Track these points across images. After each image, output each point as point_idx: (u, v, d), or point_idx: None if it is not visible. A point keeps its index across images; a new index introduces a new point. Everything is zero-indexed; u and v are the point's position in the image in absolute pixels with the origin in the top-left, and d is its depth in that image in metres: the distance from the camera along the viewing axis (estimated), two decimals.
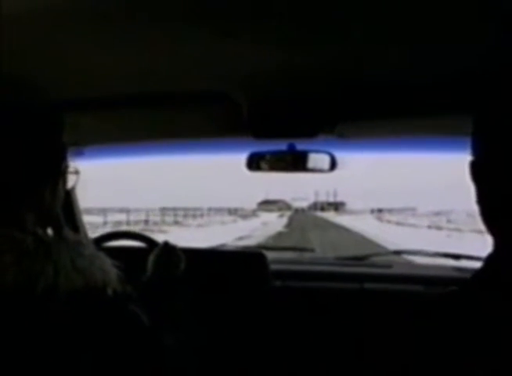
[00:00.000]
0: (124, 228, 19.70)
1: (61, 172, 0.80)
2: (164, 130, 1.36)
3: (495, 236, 0.52)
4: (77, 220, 1.75)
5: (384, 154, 1.76)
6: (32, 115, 0.79)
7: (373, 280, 1.59)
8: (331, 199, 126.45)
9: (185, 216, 36.35)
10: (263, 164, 1.39)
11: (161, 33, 0.71)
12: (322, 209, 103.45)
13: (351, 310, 1.46)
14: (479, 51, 0.76)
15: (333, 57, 0.82)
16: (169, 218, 31.17)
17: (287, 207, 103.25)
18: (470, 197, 0.56)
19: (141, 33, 0.71)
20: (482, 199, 0.54)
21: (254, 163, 1.40)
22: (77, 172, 0.86)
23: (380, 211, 71.47)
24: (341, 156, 1.37)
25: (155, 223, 26.41)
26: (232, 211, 57.57)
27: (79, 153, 1.44)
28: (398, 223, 31.18)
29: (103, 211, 25.30)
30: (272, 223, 30.71)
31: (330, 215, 59.45)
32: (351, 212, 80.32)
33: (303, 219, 40.95)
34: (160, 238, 1.55)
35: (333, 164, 1.35)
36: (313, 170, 1.35)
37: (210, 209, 53.53)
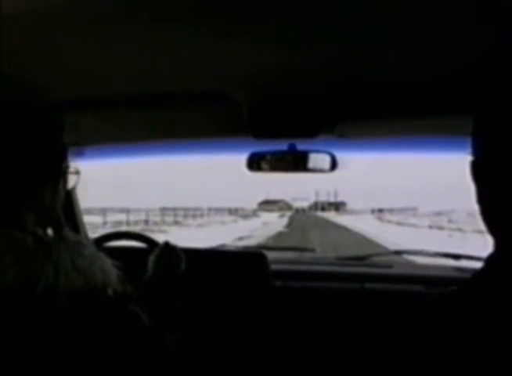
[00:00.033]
0: (123, 228, 19.73)
1: (61, 172, 0.80)
2: (165, 130, 1.36)
3: (496, 236, 0.52)
4: (77, 220, 1.75)
5: (384, 154, 1.76)
6: (32, 115, 0.79)
7: (374, 280, 1.59)
8: (332, 199, 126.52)
9: (185, 216, 36.37)
10: (263, 165, 1.39)
11: (161, 33, 0.71)
12: (323, 209, 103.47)
13: (352, 310, 1.46)
14: (479, 51, 0.76)
15: (333, 57, 0.82)
16: (169, 218, 31.17)
17: (288, 207, 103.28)
18: (471, 197, 0.56)
19: (141, 33, 0.71)
20: (482, 199, 0.54)
21: (254, 163, 1.40)
22: (77, 172, 0.86)
23: (380, 211, 71.42)
24: (342, 156, 1.37)
25: (155, 223, 26.42)
26: (233, 211, 57.59)
27: (80, 154, 1.44)
28: (398, 223, 31.15)
29: (103, 211, 25.31)
30: (273, 223, 30.70)
31: (331, 215, 59.45)
32: (352, 212, 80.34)
33: (303, 219, 40.96)
34: (159, 238, 1.55)
35: (334, 164, 1.35)
36: (314, 170, 1.35)
37: (210, 209, 53.56)
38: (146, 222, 26.69)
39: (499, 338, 0.45)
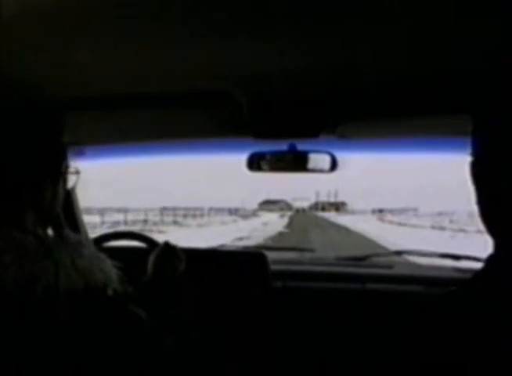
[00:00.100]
0: (122, 228, 19.75)
1: (61, 172, 0.80)
2: (165, 130, 1.36)
3: (495, 236, 0.52)
4: (77, 220, 1.75)
5: (384, 155, 1.76)
6: (32, 115, 0.79)
7: (375, 280, 1.58)
8: (332, 199, 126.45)
9: (185, 216, 36.36)
10: (263, 165, 1.39)
11: (162, 33, 0.71)
12: (323, 209, 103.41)
13: (353, 311, 1.46)
14: (479, 51, 0.76)
15: (334, 58, 0.81)
16: (168, 218, 31.16)
17: (288, 207, 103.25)
18: (471, 198, 0.56)
19: (141, 33, 0.71)
20: (482, 200, 0.54)
21: (254, 163, 1.40)
22: (77, 172, 0.86)
23: (380, 211, 71.37)
24: (342, 156, 1.37)
25: (154, 223, 26.40)
26: (233, 211, 57.61)
27: (80, 154, 1.44)
28: (400, 224, 31.11)
29: (101, 211, 25.31)
30: (273, 223, 30.69)
31: (331, 216, 59.42)
32: (353, 212, 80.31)
33: (304, 220, 40.94)
34: (157, 238, 1.55)
35: (334, 165, 1.35)
36: (314, 170, 1.35)
37: (210, 209, 53.61)
38: (145, 221, 26.67)
39: (499, 338, 0.45)
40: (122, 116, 1.20)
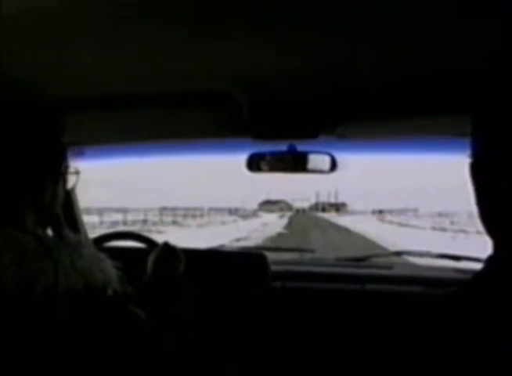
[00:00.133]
0: (120, 228, 19.73)
1: (61, 172, 0.80)
2: (165, 130, 1.36)
3: (495, 237, 0.52)
4: (77, 220, 1.75)
5: (384, 155, 1.76)
6: (32, 115, 0.79)
7: (375, 281, 1.58)
8: (332, 200, 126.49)
9: (184, 216, 36.33)
10: (263, 165, 1.39)
11: (162, 33, 0.71)
12: (324, 210, 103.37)
13: (353, 311, 1.46)
14: (479, 51, 0.76)
15: (333, 58, 0.82)
16: (168, 219, 31.11)
17: (288, 207, 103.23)
18: (472, 198, 0.56)
19: (141, 33, 0.71)
20: (481, 200, 0.54)
21: (254, 163, 1.40)
22: (77, 173, 0.86)
23: (380, 212, 71.34)
24: (342, 157, 1.37)
25: (153, 223, 26.36)
26: (233, 212, 57.61)
27: (80, 154, 1.44)
28: (400, 224, 31.08)
29: (100, 211, 25.27)
30: (272, 224, 30.67)
31: (332, 216, 59.42)
32: (353, 213, 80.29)
33: (304, 220, 40.90)
34: (156, 239, 1.55)
35: (334, 165, 1.35)
36: (313, 171, 1.35)
37: (210, 209, 53.63)
38: (144, 222, 26.63)
39: (499, 338, 0.45)
40: (122, 116, 1.20)
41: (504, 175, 0.49)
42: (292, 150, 1.33)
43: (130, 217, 27.31)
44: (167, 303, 0.95)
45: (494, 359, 0.45)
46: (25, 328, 0.61)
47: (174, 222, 28.32)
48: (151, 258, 1.09)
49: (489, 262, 0.52)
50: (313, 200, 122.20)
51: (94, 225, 16.25)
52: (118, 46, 0.76)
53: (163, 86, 0.98)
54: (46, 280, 0.63)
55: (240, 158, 1.44)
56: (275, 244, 14.81)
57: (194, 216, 38.43)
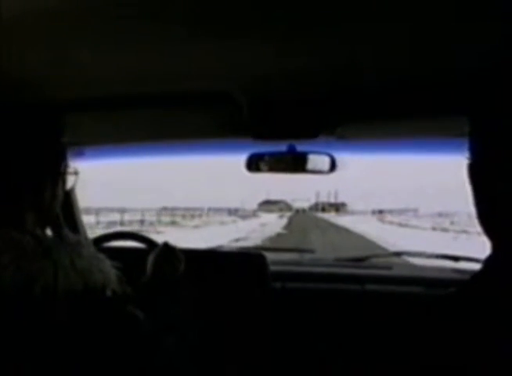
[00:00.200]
0: (118, 228, 19.67)
1: (61, 173, 0.80)
2: (165, 130, 1.36)
3: (493, 238, 0.52)
4: (76, 220, 1.75)
5: (384, 155, 1.76)
6: (32, 115, 0.79)
7: (374, 281, 1.58)
8: (332, 200, 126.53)
9: (183, 216, 36.28)
10: (262, 166, 1.39)
11: (162, 33, 0.71)
12: (323, 210, 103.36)
13: (353, 312, 1.46)
14: (479, 51, 0.76)
15: (333, 59, 0.82)
16: (166, 219, 31.03)
17: (288, 207, 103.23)
18: (471, 199, 0.56)
19: (141, 33, 0.71)
20: (480, 201, 0.54)
21: (253, 164, 1.40)
22: (76, 173, 0.86)
23: (380, 212, 71.34)
24: (342, 157, 1.36)
25: (151, 224, 26.24)
26: (232, 212, 57.60)
27: (79, 154, 1.44)
28: (400, 225, 31.06)
29: (97, 211, 25.19)
30: (272, 224, 30.65)
31: (331, 216, 59.41)
32: (353, 213, 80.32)
33: (303, 220, 40.88)
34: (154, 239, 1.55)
35: (333, 166, 1.35)
36: (313, 171, 1.35)
37: (210, 209, 53.64)
38: (142, 222, 26.51)
39: (499, 338, 0.45)
40: (122, 116, 1.20)
41: (502, 176, 0.49)
42: (292, 151, 1.33)
43: (127, 217, 27.21)
44: (166, 303, 0.95)
45: (493, 359, 0.45)
46: (24, 328, 0.61)
47: (173, 223, 28.27)
48: (151, 259, 1.09)
49: (488, 262, 0.52)
50: (313, 201, 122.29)
51: (90, 226, 16.17)
52: (118, 46, 0.76)
53: (163, 86, 0.98)
54: (45, 280, 0.62)
55: (240, 158, 1.44)
56: (275, 244, 14.79)
57: (193, 216, 38.41)
